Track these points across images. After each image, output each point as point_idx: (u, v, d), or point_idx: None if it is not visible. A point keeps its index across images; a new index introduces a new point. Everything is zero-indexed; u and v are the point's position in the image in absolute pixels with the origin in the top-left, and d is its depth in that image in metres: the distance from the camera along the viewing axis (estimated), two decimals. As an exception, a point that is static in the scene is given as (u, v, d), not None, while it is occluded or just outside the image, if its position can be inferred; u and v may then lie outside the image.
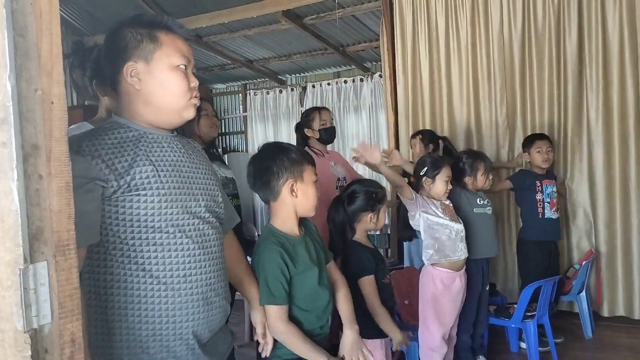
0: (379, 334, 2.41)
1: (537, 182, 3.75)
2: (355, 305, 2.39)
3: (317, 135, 3.53)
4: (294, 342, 1.79)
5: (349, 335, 1.98)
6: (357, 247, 2.45)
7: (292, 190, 1.84)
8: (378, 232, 5.56)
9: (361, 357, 1.94)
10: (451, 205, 3.09)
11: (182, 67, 1.37)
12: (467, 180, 3.31)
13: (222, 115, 8.23)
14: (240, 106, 8.15)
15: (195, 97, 1.41)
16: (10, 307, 0.94)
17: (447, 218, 2.96)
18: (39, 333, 0.96)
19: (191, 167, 1.43)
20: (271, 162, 1.85)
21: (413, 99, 4.79)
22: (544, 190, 3.75)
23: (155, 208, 1.30)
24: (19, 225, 0.94)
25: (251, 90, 7.97)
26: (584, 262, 3.88)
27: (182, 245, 1.34)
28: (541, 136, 3.90)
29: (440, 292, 2.91)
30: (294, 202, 1.86)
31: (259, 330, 1.79)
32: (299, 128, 3.60)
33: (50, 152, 1.01)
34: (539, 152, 3.75)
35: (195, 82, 1.40)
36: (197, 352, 1.38)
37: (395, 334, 2.37)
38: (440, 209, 2.96)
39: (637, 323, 4.11)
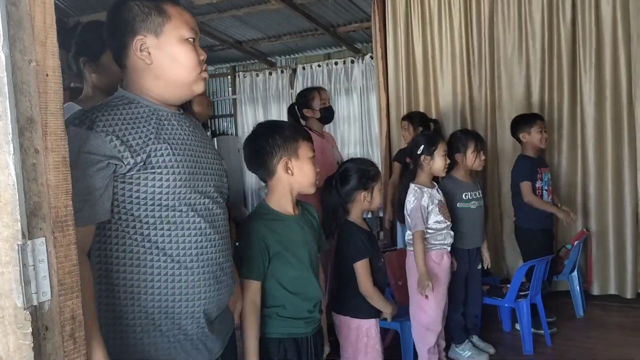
0: (375, 313, 2.42)
1: (538, 169, 3.75)
2: (351, 286, 2.40)
3: (318, 115, 3.50)
4: (248, 328, 1.78)
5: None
6: (354, 229, 2.44)
7: (287, 168, 1.83)
8: (370, 215, 5.57)
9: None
10: (443, 199, 3.10)
11: (191, 40, 1.35)
12: (458, 157, 3.30)
13: (211, 98, 8.16)
14: (230, 88, 8.08)
15: (204, 70, 1.39)
16: (10, 284, 0.92)
17: (442, 217, 2.98)
18: (39, 310, 0.95)
19: (200, 146, 1.41)
20: (264, 142, 1.84)
21: (406, 80, 4.77)
22: (543, 177, 3.75)
23: (170, 187, 1.29)
24: (17, 200, 0.92)
25: (240, 73, 7.90)
26: (575, 242, 3.91)
27: (194, 224, 1.34)
28: (539, 116, 3.87)
29: (431, 270, 2.93)
30: (290, 180, 1.85)
31: None
32: (294, 108, 3.56)
33: (46, 126, 0.98)
34: (540, 132, 3.72)
35: (204, 55, 1.38)
36: (206, 330, 1.38)
37: (387, 308, 2.41)
38: (437, 208, 2.96)
39: (627, 302, 4.16)
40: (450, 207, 3.17)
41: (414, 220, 2.91)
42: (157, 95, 1.35)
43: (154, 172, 1.27)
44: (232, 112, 8.10)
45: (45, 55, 0.99)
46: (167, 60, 1.32)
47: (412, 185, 3.00)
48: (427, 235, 2.95)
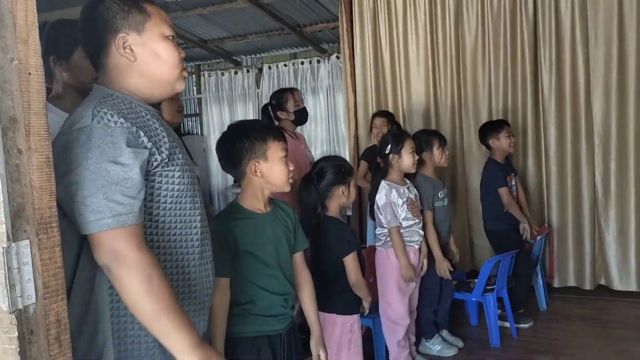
0: (357, 308, 2.49)
1: (507, 176, 3.85)
2: (336, 282, 2.42)
3: (292, 117, 3.50)
4: (216, 325, 1.76)
5: (317, 334, 2.06)
6: (338, 223, 2.48)
7: (254, 171, 1.84)
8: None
9: (322, 352, 2.03)
10: (417, 196, 3.15)
11: (171, 37, 1.35)
12: (425, 155, 3.37)
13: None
14: (194, 88, 7.98)
15: (184, 69, 1.39)
16: (-6, 288, 0.90)
17: (411, 214, 3.04)
18: (24, 314, 0.93)
19: (180, 142, 1.41)
20: (232, 145, 1.85)
21: (374, 80, 4.82)
22: (511, 183, 3.87)
23: (185, 185, 1.31)
24: (1, 201, 0.90)
25: (205, 72, 7.82)
26: (538, 237, 4.02)
27: (198, 222, 1.36)
28: (505, 122, 3.99)
29: (396, 267, 3.00)
30: (260, 181, 1.86)
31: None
32: (267, 110, 3.54)
33: (29, 126, 0.97)
34: (507, 137, 3.83)
35: (183, 53, 1.38)
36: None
37: (369, 297, 2.48)
38: (406, 206, 3.01)
39: (586, 293, 4.32)
40: (428, 206, 3.26)
41: (386, 216, 2.97)
42: (142, 93, 1.33)
43: (174, 170, 1.27)
44: (198, 112, 8.02)
45: (28, 53, 0.97)
46: (151, 57, 1.31)
47: (382, 182, 3.05)
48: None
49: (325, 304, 2.47)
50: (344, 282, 2.41)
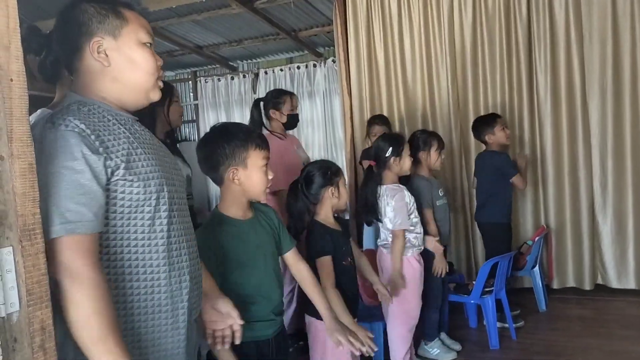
0: None
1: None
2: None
3: (284, 120, 3.49)
4: None
5: (328, 324, 2.04)
6: (319, 227, 2.45)
7: (232, 178, 1.82)
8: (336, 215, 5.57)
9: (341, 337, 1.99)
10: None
11: (148, 44, 1.33)
12: (422, 155, 3.36)
13: (173, 103, 8.02)
14: (191, 94, 7.97)
15: (160, 78, 1.36)
16: (-24, 296, 0.89)
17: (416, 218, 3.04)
18: (7, 321, 0.92)
19: (165, 153, 1.38)
20: (212, 149, 1.82)
21: (369, 83, 4.82)
22: None
23: (152, 194, 1.24)
24: (-18, 209, 0.89)
25: (202, 78, 7.81)
26: (536, 238, 4.02)
27: (173, 232, 1.31)
28: (498, 115, 3.97)
29: (414, 268, 3.03)
30: (237, 188, 1.84)
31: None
32: (259, 106, 3.51)
33: (11, 132, 0.96)
34: (502, 129, 3.82)
35: (160, 61, 1.35)
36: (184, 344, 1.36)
37: (344, 319, 2.19)
38: (414, 207, 3.03)
39: (585, 294, 4.31)
40: (427, 205, 3.26)
41: (401, 218, 2.95)
42: (115, 99, 1.30)
43: (134, 179, 1.21)
44: (194, 118, 8.00)
45: (9, 59, 0.96)
46: (126, 63, 1.28)
47: (388, 186, 3.02)
48: (410, 235, 3.01)
49: (309, 307, 2.45)
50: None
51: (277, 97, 3.52)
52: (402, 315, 3.00)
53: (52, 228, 1.07)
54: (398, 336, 3.03)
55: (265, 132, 3.49)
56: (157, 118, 2.69)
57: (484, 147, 3.98)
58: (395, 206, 2.98)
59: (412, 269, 3.03)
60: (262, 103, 3.56)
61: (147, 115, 2.70)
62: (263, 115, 3.53)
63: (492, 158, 3.81)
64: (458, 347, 3.45)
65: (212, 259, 1.75)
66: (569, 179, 4.31)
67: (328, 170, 2.49)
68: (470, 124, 4.48)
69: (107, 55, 1.26)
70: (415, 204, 3.06)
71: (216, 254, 1.78)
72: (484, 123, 3.89)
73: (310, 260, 2.37)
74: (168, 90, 2.86)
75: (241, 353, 1.81)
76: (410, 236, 3.02)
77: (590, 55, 4.19)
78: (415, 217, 3.05)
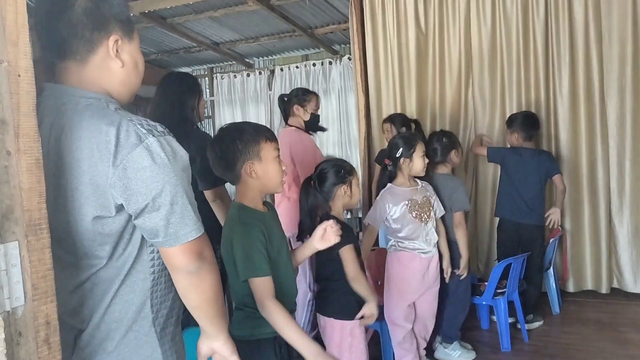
0: (355, 313, 2.42)
1: None
2: (334, 286, 2.40)
3: (307, 118, 3.49)
4: (283, 321, 1.76)
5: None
6: (337, 221, 2.45)
7: (250, 173, 1.82)
8: (349, 216, 5.57)
9: None
10: (429, 199, 3.09)
11: None
12: (453, 154, 3.40)
13: (189, 99, 8.06)
14: (207, 90, 8.01)
15: None
16: (-19, 289, 0.90)
17: (413, 217, 2.96)
18: (12, 315, 0.93)
19: None
20: (225, 148, 1.83)
21: (385, 81, 4.79)
22: None
23: None
24: (-12, 203, 0.90)
25: (218, 74, 7.84)
26: (551, 240, 3.97)
27: None
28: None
29: (396, 270, 3.02)
30: (256, 183, 1.84)
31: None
32: (284, 100, 3.54)
33: (18, 128, 0.97)
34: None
35: None
36: None
37: (371, 299, 2.37)
38: (407, 208, 2.96)
39: (601, 297, 4.24)
40: (461, 207, 3.29)
41: (372, 212, 3.04)
42: (117, 96, 1.29)
43: None
44: (210, 114, 8.04)
45: (17, 55, 0.97)
46: (133, 66, 1.30)
47: (389, 185, 3.02)
48: (399, 238, 3.00)
49: (324, 308, 2.47)
50: (343, 285, 2.38)
51: (304, 94, 3.53)
52: (386, 309, 3.06)
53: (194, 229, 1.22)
54: (390, 331, 3.07)
55: (291, 128, 3.50)
56: (189, 112, 2.78)
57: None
58: (376, 201, 3.04)
59: (393, 268, 3.03)
60: (286, 99, 3.57)
61: (178, 110, 2.75)
62: (287, 110, 3.54)
63: (550, 159, 3.89)
64: (469, 347, 3.42)
65: (260, 245, 1.77)
66: (587, 179, 4.24)
67: (342, 169, 2.50)
68: (485, 123, 4.45)
69: (121, 55, 1.26)
70: (410, 205, 2.96)
71: (262, 241, 1.78)
72: (536, 123, 3.91)
73: (333, 252, 2.37)
74: (198, 85, 2.93)
75: (275, 347, 1.84)
76: (400, 241, 3.01)
77: (610, 55, 4.12)
78: (400, 222, 2.96)
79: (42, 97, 1.16)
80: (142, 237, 1.22)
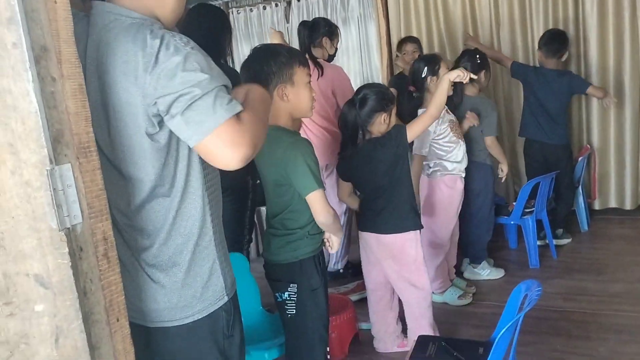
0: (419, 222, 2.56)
1: None
2: (394, 200, 2.47)
3: (332, 52, 3.38)
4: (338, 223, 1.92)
5: None
6: (385, 137, 2.46)
7: (282, 95, 1.83)
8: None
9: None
10: (455, 117, 3.09)
11: None
12: (483, 74, 3.40)
13: (206, 37, 7.97)
14: (224, 26, 7.90)
15: None
16: (43, 207, 0.95)
17: (455, 137, 2.99)
18: (72, 232, 0.99)
19: None
20: (259, 68, 1.83)
21: (405, 4, 4.65)
22: None
23: None
24: (41, 127, 0.94)
25: (234, 9, 7.69)
26: (580, 158, 3.94)
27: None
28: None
29: (448, 194, 3.07)
30: (287, 106, 1.86)
31: None
32: (314, 30, 3.32)
33: (60, 54, 0.99)
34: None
35: None
36: None
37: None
38: (449, 128, 2.98)
39: (627, 213, 4.24)
40: (494, 133, 3.33)
41: (419, 142, 2.93)
42: (165, 23, 1.29)
43: None
44: (228, 51, 7.97)
45: (52, -19, 0.98)
46: None
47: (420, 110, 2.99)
48: (441, 159, 3.01)
49: (391, 226, 2.48)
50: (401, 198, 2.45)
51: (332, 28, 3.36)
52: (428, 234, 3.04)
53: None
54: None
55: (335, 65, 3.42)
56: (221, 49, 2.80)
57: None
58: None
59: (440, 192, 3.05)
60: (318, 29, 3.34)
61: (212, 45, 2.74)
62: (313, 39, 3.31)
63: (573, 76, 3.83)
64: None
65: (315, 161, 1.86)
66: (614, 95, 4.14)
67: (384, 96, 2.46)
68: (511, 43, 4.33)
69: None
70: (449, 129, 2.97)
71: (315, 158, 1.85)
72: (566, 41, 3.79)
73: (401, 159, 2.46)
74: (229, 22, 2.91)
75: (316, 265, 1.96)
76: (445, 163, 3.01)
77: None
78: (449, 144, 2.99)
79: (90, 15, 1.21)
80: (189, 151, 1.24)
